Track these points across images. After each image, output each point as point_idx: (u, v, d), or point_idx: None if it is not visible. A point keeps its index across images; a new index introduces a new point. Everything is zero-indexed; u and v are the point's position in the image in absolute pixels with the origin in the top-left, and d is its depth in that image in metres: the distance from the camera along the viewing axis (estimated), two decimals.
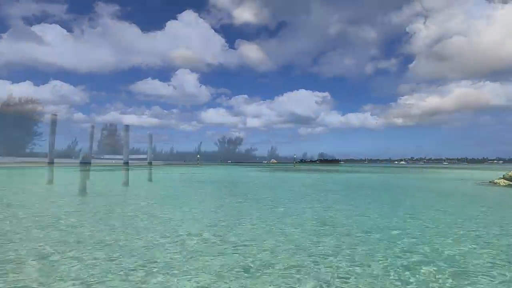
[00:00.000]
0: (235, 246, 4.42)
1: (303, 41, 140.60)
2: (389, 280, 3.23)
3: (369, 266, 3.65)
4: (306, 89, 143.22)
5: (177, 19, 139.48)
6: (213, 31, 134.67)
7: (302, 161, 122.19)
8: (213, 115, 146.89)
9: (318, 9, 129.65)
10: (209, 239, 4.83)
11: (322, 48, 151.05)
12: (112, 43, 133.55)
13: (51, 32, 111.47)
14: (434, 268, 3.58)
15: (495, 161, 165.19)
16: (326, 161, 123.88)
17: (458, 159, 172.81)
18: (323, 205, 8.76)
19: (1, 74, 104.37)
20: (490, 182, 17.12)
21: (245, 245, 4.47)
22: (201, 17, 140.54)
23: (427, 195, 12.25)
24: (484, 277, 3.35)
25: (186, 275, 3.30)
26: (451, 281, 3.23)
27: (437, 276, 3.35)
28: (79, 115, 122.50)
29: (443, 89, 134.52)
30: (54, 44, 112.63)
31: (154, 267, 3.52)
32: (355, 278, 3.28)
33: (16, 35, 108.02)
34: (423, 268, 3.60)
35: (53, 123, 15.41)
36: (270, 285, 3.08)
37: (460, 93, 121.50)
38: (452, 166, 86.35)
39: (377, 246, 4.49)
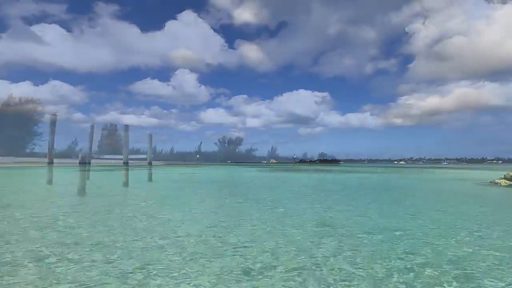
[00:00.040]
0: (236, 248, 4.36)
1: (303, 41, 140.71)
2: (392, 283, 3.17)
3: (372, 268, 3.59)
4: (306, 89, 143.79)
5: (176, 19, 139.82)
6: (213, 31, 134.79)
7: (302, 161, 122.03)
8: (212, 115, 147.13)
9: (318, 9, 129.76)
10: (209, 240, 4.77)
11: (322, 48, 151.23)
12: (111, 43, 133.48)
13: (50, 32, 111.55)
14: (438, 270, 3.53)
15: (494, 161, 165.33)
16: (325, 161, 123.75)
17: (457, 159, 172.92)
18: (323, 205, 8.70)
19: (1, 74, 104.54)
20: (491, 182, 17.07)
21: (245, 247, 4.41)
22: (200, 17, 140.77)
23: (428, 196, 12.19)
24: (490, 280, 3.29)
25: (185, 278, 3.24)
26: (456, 283, 3.18)
27: (441, 279, 3.29)
28: (78, 115, 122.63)
29: (443, 89, 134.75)
30: (53, 44, 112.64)
31: (153, 270, 3.46)
32: (357, 280, 3.22)
33: (16, 35, 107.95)
34: (427, 270, 3.54)
35: (53, 123, 15.32)
36: None
37: (459, 93, 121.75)
38: (452, 166, 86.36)
39: (380, 248, 4.43)
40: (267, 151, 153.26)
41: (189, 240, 4.76)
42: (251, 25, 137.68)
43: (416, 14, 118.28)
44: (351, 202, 9.48)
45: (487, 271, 3.54)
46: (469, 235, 5.30)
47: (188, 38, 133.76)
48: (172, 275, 3.32)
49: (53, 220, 6.17)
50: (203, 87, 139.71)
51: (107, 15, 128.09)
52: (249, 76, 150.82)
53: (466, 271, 3.51)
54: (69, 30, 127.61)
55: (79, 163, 11.54)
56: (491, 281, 3.25)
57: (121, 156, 15.26)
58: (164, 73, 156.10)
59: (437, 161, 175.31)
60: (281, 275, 3.34)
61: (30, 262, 3.63)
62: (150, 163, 18.26)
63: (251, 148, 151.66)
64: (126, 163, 14.69)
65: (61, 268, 3.45)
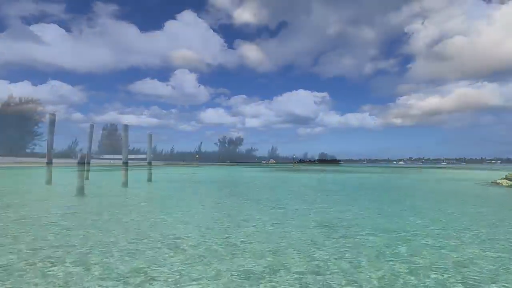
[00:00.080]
0: (236, 249, 4.29)
1: (303, 41, 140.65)
2: (394, 285, 3.10)
3: (374, 270, 3.51)
4: (305, 89, 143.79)
5: (176, 19, 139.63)
6: (212, 31, 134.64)
7: (301, 161, 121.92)
8: (212, 115, 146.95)
9: (318, 9, 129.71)
10: (209, 242, 4.69)
11: (322, 48, 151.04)
12: (110, 43, 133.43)
13: (49, 32, 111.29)
14: (442, 273, 3.45)
15: (493, 161, 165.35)
16: (325, 161, 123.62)
17: (456, 159, 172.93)
18: (323, 206, 8.62)
19: (0, 74, 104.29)
20: (492, 182, 16.99)
21: (245, 248, 4.34)
22: (200, 17, 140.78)
23: (429, 196, 12.12)
24: (495, 283, 3.21)
25: (185, 279, 3.17)
26: (461, 287, 3.10)
27: (445, 282, 3.21)
28: (77, 115, 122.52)
29: (442, 90, 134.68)
30: (52, 44, 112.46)
31: (153, 272, 3.38)
32: (359, 282, 3.15)
33: (15, 34, 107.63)
34: (430, 272, 3.46)
35: (52, 122, 15.21)
36: None
37: (458, 93, 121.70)
38: (451, 166, 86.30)
39: (382, 249, 4.35)
40: (268, 151, 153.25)
41: (189, 241, 4.68)
42: (251, 25, 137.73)
43: (415, 15, 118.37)
44: (352, 202, 9.40)
45: (492, 273, 3.47)
46: (472, 236, 5.22)
47: (187, 38, 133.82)
48: (172, 276, 3.24)
49: (50, 221, 6.09)
50: (202, 87, 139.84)
51: (106, 15, 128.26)
52: (249, 76, 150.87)
53: (470, 274, 3.44)
54: (68, 30, 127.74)
55: (78, 163, 11.45)
56: (498, 284, 3.18)
57: (120, 156, 15.15)
58: (163, 73, 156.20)
59: (436, 161, 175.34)
60: (281, 276, 3.27)
61: (26, 265, 3.56)
62: (150, 163, 18.15)
63: (251, 148, 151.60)
64: (125, 163, 14.60)
65: (57, 270, 3.38)
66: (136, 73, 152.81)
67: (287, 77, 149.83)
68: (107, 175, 25.09)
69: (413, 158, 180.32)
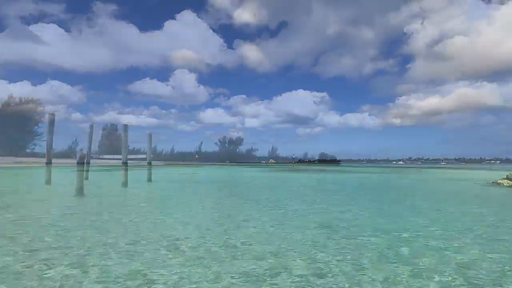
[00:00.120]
0: (236, 251, 4.23)
1: (302, 41, 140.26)
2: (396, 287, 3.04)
3: (376, 272, 3.45)
4: (304, 89, 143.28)
5: (175, 19, 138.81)
6: (212, 31, 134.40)
7: (301, 161, 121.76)
8: (211, 115, 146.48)
9: (318, 9, 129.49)
10: (209, 242, 4.63)
11: (322, 48, 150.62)
12: (110, 42, 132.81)
13: (49, 32, 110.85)
14: (445, 275, 3.39)
15: (492, 161, 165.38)
16: (324, 161, 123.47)
17: (455, 159, 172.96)
18: (323, 206, 8.57)
19: None
20: (493, 182, 16.93)
21: (245, 251, 4.28)
22: (199, 17, 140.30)
23: (430, 196, 12.06)
24: (500, 285, 3.15)
25: (185, 283, 3.11)
26: None
27: (449, 284, 3.15)
28: (77, 115, 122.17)
29: (441, 90, 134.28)
30: (52, 44, 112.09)
31: (152, 273, 3.32)
32: (363, 285, 3.09)
33: (14, 34, 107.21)
34: (434, 274, 3.40)
35: (51, 122, 15.14)
36: None
37: (458, 93, 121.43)
38: (450, 166, 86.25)
39: (384, 251, 4.29)
40: (268, 151, 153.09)
41: (188, 243, 4.63)
42: (250, 25, 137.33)
43: (415, 15, 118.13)
44: (352, 203, 9.34)
45: (497, 276, 3.40)
46: (475, 237, 5.16)
47: (187, 38, 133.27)
48: (171, 279, 3.18)
49: (48, 221, 6.04)
50: (202, 87, 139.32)
51: (105, 15, 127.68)
52: (249, 76, 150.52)
53: (474, 276, 3.38)
54: (67, 29, 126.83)
55: (77, 163, 11.39)
56: (504, 287, 3.12)
57: (120, 156, 15.09)
58: (163, 73, 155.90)
59: (436, 161, 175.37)
60: (282, 279, 3.21)
61: (22, 268, 3.50)
62: (149, 163, 18.10)
63: (252, 148, 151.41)
64: (125, 163, 14.54)
65: (54, 273, 3.32)
66: (136, 73, 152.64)
67: (287, 77, 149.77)
68: (107, 175, 25.03)
69: (413, 158, 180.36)
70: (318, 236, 5.09)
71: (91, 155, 19.71)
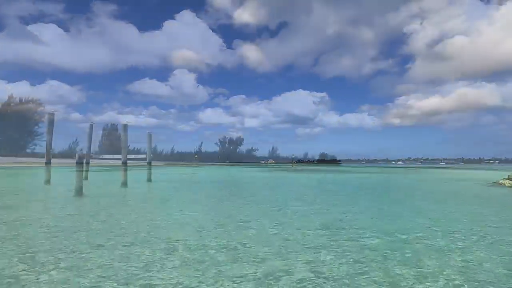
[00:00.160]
0: (236, 253, 4.18)
1: (302, 41, 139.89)
2: None
3: (377, 274, 3.40)
4: (304, 89, 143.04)
5: (174, 19, 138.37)
6: (211, 31, 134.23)
7: (300, 161, 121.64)
8: (211, 115, 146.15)
9: (318, 9, 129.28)
10: (209, 243, 4.58)
11: (321, 49, 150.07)
12: (109, 42, 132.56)
13: (48, 32, 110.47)
14: (448, 276, 3.34)
15: (491, 161, 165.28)
16: (324, 161, 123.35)
17: (454, 159, 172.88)
18: (323, 206, 8.52)
19: None
20: (494, 182, 16.88)
21: (245, 253, 4.24)
22: (199, 17, 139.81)
23: (431, 197, 12.00)
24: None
25: (184, 285, 3.06)
26: None
27: (453, 286, 3.10)
28: (76, 115, 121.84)
29: (441, 90, 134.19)
30: (51, 44, 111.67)
31: (150, 277, 3.28)
32: (363, 286, 3.05)
33: (13, 34, 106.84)
34: (437, 276, 3.36)
35: (50, 122, 15.10)
36: None
37: (458, 93, 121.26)
38: (450, 166, 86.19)
39: (386, 252, 4.25)
40: (268, 151, 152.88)
41: (187, 245, 4.58)
42: (250, 26, 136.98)
43: (414, 15, 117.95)
44: (352, 203, 9.30)
45: (501, 277, 3.36)
46: (476, 237, 5.12)
47: (186, 38, 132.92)
48: (170, 282, 3.14)
49: (47, 222, 5.99)
50: (201, 87, 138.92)
51: (104, 15, 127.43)
52: (248, 76, 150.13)
53: (477, 277, 3.33)
54: (66, 29, 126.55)
55: (76, 163, 11.34)
56: None
57: (120, 156, 15.05)
58: (162, 73, 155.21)
59: (435, 161, 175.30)
60: (283, 282, 3.16)
61: (20, 269, 3.45)
62: (149, 163, 18.05)
63: (252, 148, 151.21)
64: (124, 163, 14.50)
65: (51, 275, 3.27)
66: (135, 73, 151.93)
67: (286, 77, 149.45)
68: (106, 175, 25.00)
69: (412, 158, 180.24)
70: (319, 238, 5.04)
71: (91, 155, 19.67)
